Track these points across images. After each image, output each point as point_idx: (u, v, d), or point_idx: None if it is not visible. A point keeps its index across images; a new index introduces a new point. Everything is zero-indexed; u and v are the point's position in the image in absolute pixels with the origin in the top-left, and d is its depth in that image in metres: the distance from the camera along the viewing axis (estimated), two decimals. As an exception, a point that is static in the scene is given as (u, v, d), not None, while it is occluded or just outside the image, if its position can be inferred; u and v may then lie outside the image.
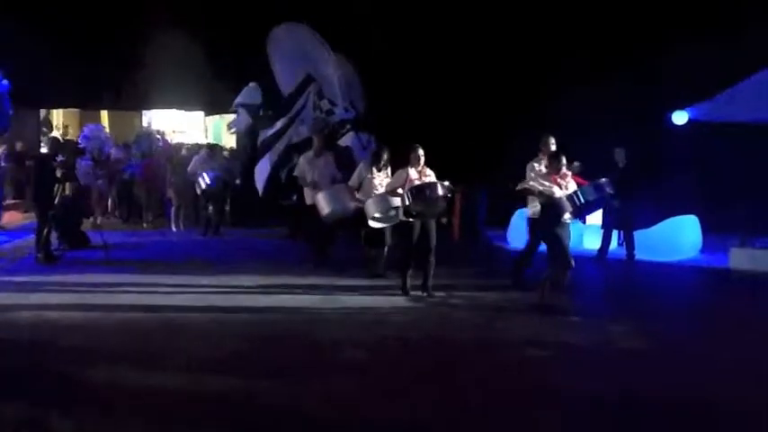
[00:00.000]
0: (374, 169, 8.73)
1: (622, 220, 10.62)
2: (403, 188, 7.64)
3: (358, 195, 8.75)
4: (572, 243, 11.97)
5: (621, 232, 11.01)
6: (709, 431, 4.39)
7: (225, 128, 15.70)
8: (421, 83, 14.54)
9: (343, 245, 10.15)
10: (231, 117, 15.13)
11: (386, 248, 8.82)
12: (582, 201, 7.13)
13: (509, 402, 4.75)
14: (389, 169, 8.66)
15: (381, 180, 8.62)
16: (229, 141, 16.55)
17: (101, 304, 7.16)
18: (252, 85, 13.96)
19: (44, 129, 17.97)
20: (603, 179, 7.40)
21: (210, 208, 12.88)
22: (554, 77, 13.58)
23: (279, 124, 13.23)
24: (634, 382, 5.10)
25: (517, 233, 10.93)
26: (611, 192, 7.44)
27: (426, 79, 14.59)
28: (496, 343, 6.19)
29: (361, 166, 9.03)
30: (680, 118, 12.86)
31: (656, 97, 13.01)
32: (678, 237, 11.00)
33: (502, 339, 6.30)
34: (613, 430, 4.36)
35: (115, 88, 16.84)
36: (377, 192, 8.47)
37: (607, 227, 10.82)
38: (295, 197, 11.56)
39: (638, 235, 10.66)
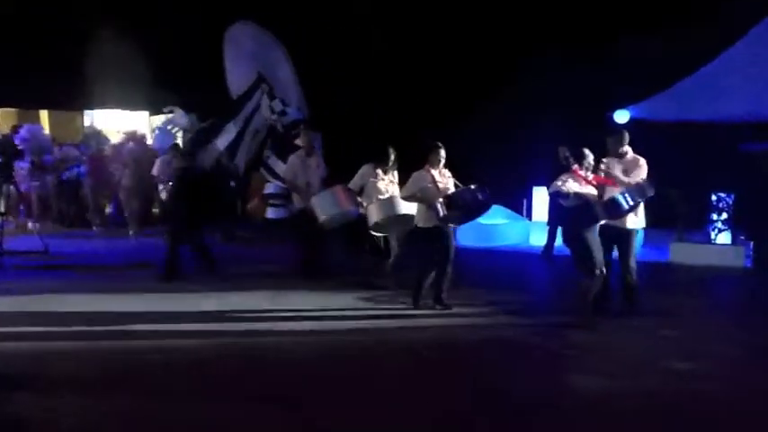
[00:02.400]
0: (379, 171, 7.96)
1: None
2: (433, 196, 6.90)
3: (360, 200, 7.99)
4: (518, 240, 12.38)
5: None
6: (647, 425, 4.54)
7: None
8: (369, 81, 14.61)
9: (339, 253, 9.39)
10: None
11: (392, 258, 8.00)
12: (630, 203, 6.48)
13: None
14: (396, 172, 7.98)
15: (387, 184, 7.92)
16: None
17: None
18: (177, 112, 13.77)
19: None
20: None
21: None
22: (497, 78, 13.79)
23: (232, 130, 12.91)
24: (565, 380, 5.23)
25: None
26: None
27: (374, 77, 14.66)
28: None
29: (364, 169, 8.08)
30: (621, 117, 13.20)
31: (598, 97, 13.32)
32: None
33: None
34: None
35: (56, 87, 16.38)
36: (381, 196, 7.80)
37: (552, 224, 11.02)
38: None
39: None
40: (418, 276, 7.19)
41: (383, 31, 14.67)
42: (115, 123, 15.98)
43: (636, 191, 6.55)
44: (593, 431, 4.33)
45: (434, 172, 7.01)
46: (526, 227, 12.55)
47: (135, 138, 14.16)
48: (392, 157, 7.90)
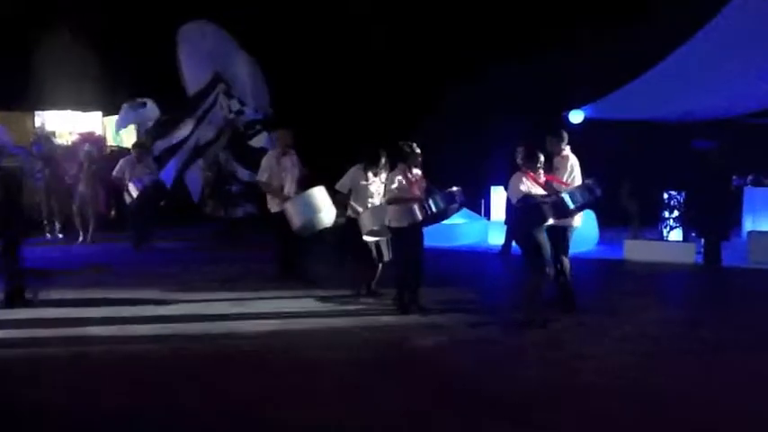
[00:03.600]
0: (370, 174, 7.66)
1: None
2: (414, 196, 6.81)
3: (351, 203, 7.67)
4: (476, 240, 12.48)
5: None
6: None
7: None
8: (328, 81, 14.59)
9: (318, 256, 9.07)
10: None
11: (380, 265, 7.72)
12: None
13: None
14: (386, 174, 7.58)
15: (378, 187, 7.60)
16: (129, 142, 15.95)
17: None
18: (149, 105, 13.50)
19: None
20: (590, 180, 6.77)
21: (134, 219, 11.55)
22: (455, 78, 13.90)
23: (182, 131, 12.80)
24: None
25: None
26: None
27: (334, 77, 14.65)
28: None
29: (352, 171, 7.72)
30: (576, 117, 13.42)
31: (554, 97, 13.52)
32: (576, 230, 11.47)
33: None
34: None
35: (5, 88, 15.94)
36: (372, 200, 7.58)
37: (510, 223, 11.15)
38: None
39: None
40: (400, 281, 7.05)
41: (346, 31, 14.66)
42: (67, 125, 15.61)
43: (583, 191, 6.62)
44: (553, 425, 4.41)
45: (416, 171, 6.93)
46: (484, 226, 12.67)
47: (91, 139, 13.67)
48: (383, 160, 7.60)
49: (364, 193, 7.63)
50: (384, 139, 7.76)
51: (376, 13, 14.73)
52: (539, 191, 6.57)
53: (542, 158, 6.63)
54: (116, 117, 15.46)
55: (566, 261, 7.04)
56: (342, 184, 7.76)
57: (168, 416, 4.52)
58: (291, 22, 14.89)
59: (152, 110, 13.25)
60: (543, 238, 6.52)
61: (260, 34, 13.93)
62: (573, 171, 7.03)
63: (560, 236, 6.91)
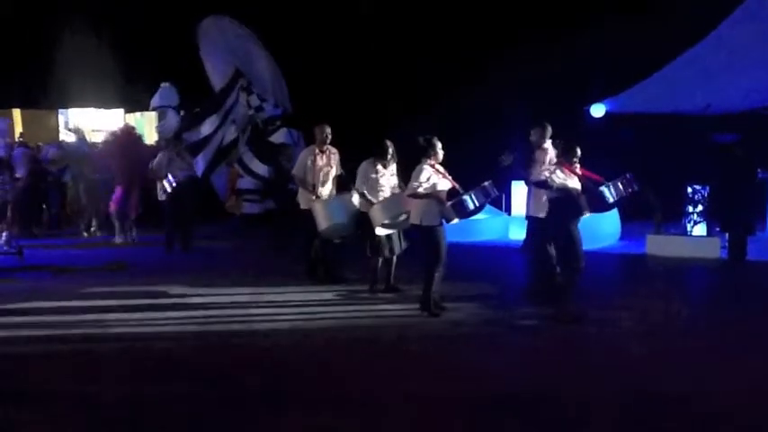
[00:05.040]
0: (380, 166, 7.59)
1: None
2: (443, 195, 6.62)
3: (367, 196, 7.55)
4: (497, 235, 12.43)
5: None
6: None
7: (146, 125, 15.27)
8: (344, 78, 14.60)
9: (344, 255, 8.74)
10: (152, 114, 14.76)
11: (395, 258, 7.70)
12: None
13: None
14: (395, 165, 7.65)
15: (388, 179, 7.61)
16: (152, 138, 16.10)
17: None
18: (165, 85, 13.60)
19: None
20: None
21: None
22: (477, 71, 13.83)
23: (208, 126, 12.85)
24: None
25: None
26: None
27: (351, 74, 14.66)
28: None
29: (364, 165, 7.65)
30: (597, 111, 13.31)
31: (575, 90, 13.41)
32: (598, 225, 11.38)
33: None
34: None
35: (28, 86, 16.16)
36: (383, 191, 7.54)
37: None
38: None
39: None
40: (428, 280, 6.79)
41: (361, 27, 14.66)
42: (90, 122, 15.78)
43: (620, 185, 6.55)
44: (570, 425, 4.39)
45: (438, 166, 6.72)
46: (505, 221, 12.61)
47: (126, 131, 13.04)
48: (390, 150, 7.57)
49: (375, 186, 7.57)
50: (402, 134, 7.76)
51: (394, 7, 14.73)
52: (575, 184, 6.52)
53: (579, 152, 6.62)
54: (138, 114, 15.63)
55: (551, 250, 7.10)
56: (359, 183, 7.65)
57: (189, 411, 4.56)
58: (304, 17, 14.88)
59: (170, 88, 13.26)
60: (578, 231, 6.48)
61: (273, 29, 13.97)
62: (550, 165, 7.13)
63: (540, 226, 7.14)
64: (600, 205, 6.56)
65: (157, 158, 11.01)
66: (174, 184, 10.68)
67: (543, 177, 6.67)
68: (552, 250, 7.07)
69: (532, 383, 5.08)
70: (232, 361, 5.60)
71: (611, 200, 6.49)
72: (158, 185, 10.96)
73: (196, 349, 5.88)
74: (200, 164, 12.58)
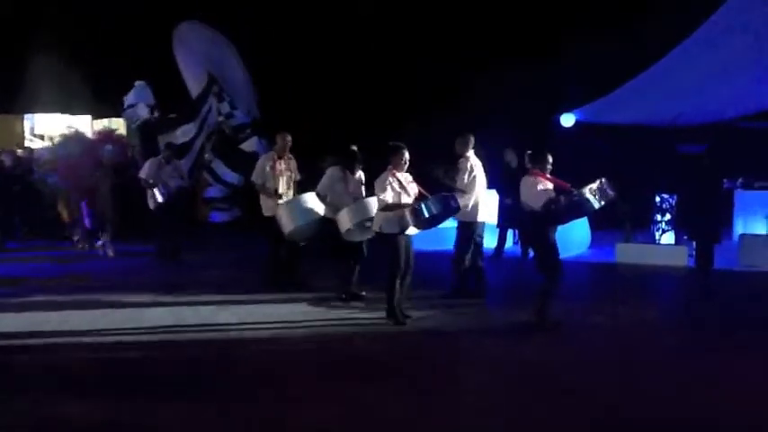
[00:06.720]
0: (347, 173, 7.68)
1: (516, 218, 10.93)
2: (405, 202, 6.56)
3: (331, 202, 7.60)
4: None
5: (516, 231, 11.39)
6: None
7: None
8: (314, 86, 14.56)
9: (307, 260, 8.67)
10: (120, 120, 14.53)
11: (357, 266, 7.65)
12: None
13: None
14: (362, 172, 7.74)
15: (356, 185, 7.69)
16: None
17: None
18: (140, 83, 13.41)
19: None
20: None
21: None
22: (446, 82, 13.88)
23: (182, 133, 12.63)
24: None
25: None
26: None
27: (320, 82, 14.62)
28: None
29: (331, 171, 7.68)
30: (567, 120, 13.43)
31: (545, 100, 13.53)
32: (568, 234, 11.45)
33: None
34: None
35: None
36: (350, 198, 7.51)
37: (502, 226, 11.14)
38: None
39: (531, 233, 11.03)
40: (390, 288, 6.71)
41: (335, 34, 14.63)
42: (56, 128, 15.50)
43: (602, 190, 6.45)
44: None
45: (399, 175, 6.64)
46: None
47: (112, 138, 13.02)
48: (358, 157, 7.67)
49: (345, 192, 7.57)
50: (368, 140, 7.82)
51: (369, 17, 14.72)
52: (551, 193, 6.42)
53: (551, 159, 6.56)
54: (105, 121, 15.37)
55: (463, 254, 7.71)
56: (322, 186, 7.67)
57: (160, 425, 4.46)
58: (280, 23, 14.81)
59: (144, 87, 13.07)
60: (554, 240, 6.43)
61: (246, 36, 13.88)
62: (473, 171, 7.53)
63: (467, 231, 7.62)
64: (582, 211, 6.57)
65: (147, 166, 10.70)
66: (166, 196, 10.43)
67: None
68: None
69: (505, 388, 5.06)
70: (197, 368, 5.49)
71: (596, 205, 6.34)
72: (148, 194, 10.55)
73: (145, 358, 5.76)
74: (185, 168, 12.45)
